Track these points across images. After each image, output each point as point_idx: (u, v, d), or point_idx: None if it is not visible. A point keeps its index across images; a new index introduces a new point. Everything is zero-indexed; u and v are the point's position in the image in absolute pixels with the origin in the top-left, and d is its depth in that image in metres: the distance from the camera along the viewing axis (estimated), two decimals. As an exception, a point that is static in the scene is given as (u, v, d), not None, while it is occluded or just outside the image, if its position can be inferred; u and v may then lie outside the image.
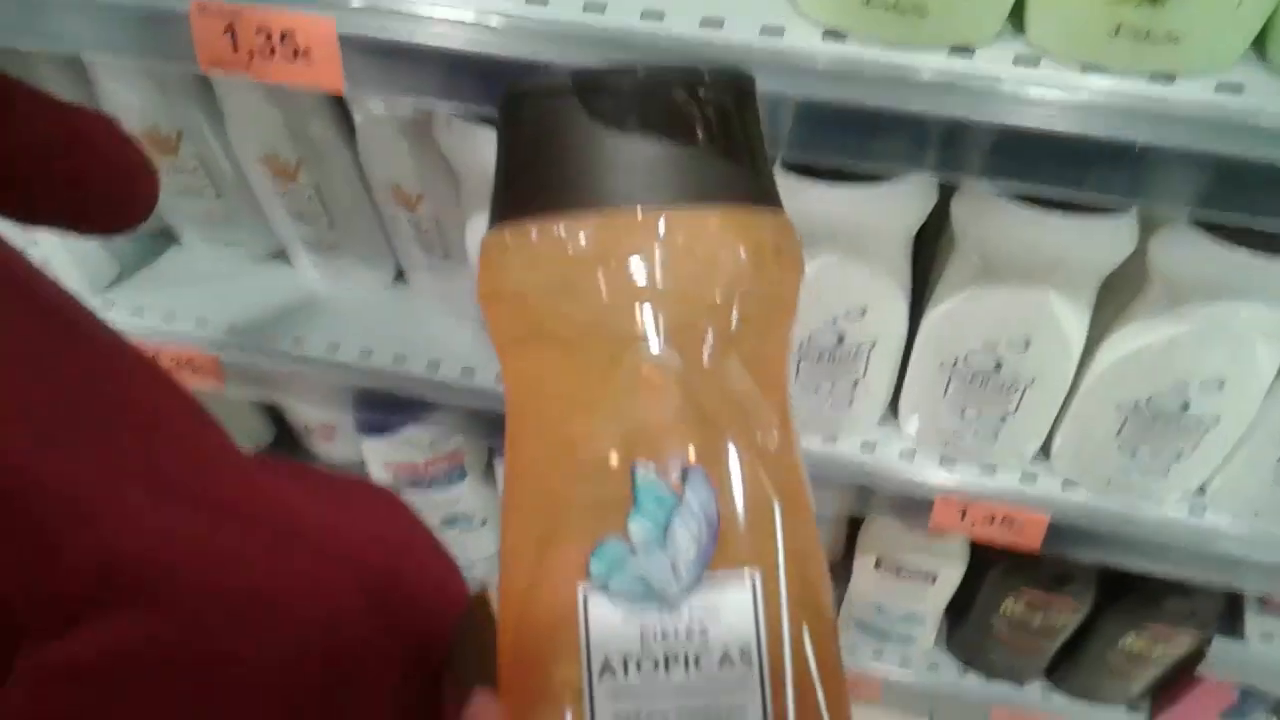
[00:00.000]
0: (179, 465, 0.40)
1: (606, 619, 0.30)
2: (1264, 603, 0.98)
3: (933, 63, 0.54)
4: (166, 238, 1.02)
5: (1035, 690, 1.20)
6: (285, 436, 1.42)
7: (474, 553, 1.25)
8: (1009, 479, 0.83)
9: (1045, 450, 0.84)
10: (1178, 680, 1.11)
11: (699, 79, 0.34)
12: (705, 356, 0.32)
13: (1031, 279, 0.66)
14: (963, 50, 0.54)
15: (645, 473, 0.31)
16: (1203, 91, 0.52)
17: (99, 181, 0.56)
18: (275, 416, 1.41)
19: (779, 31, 0.56)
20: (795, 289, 0.36)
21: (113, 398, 0.39)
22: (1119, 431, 0.74)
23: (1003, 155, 0.55)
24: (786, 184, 0.66)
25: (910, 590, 1.10)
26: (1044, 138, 0.53)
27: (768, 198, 0.36)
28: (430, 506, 1.20)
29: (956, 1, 0.52)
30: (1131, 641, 1.03)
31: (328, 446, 1.37)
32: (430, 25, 0.57)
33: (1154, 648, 1.02)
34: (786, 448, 0.34)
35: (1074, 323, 0.69)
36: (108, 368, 0.40)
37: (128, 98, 0.82)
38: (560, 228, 0.32)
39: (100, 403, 0.38)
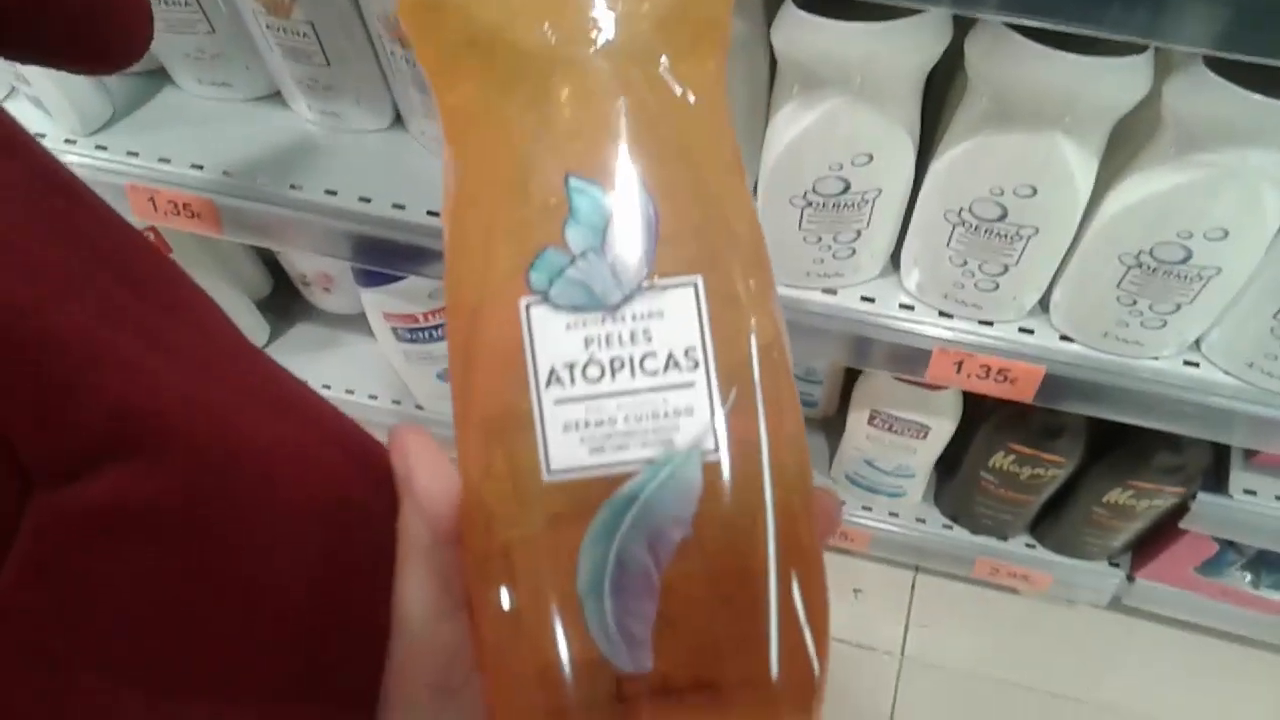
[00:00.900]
0: (180, 329, 0.40)
1: (550, 329, 0.30)
2: (1249, 457, 1.00)
3: (955, -114, 0.52)
4: (160, 79, 1.00)
5: (1019, 544, 1.23)
6: (284, 288, 1.42)
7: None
8: (1006, 331, 0.84)
9: (1044, 304, 0.84)
10: (1159, 535, 1.14)
11: None
12: (642, 65, 0.31)
13: (1042, 122, 0.65)
14: (986, -126, 0.52)
15: (580, 182, 0.30)
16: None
17: (94, 18, 0.55)
18: (274, 268, 1.41)
19: None
20: (728, 9, 0.35)
21: (116, 259, 0.39)
22: (1119, 283, 0.74)
23: (1021, -12, 0.54)
24: (797, 21, 0.64)
25: (902, 445, 1.12)
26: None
27: None
28: (428, 359, 1.20)
29: None
30: (1117, 496, 1.05)
31: (326, 298, 1.37)
32: None
33: (1139, 502, 1.05)
34: (731, 162, 0.33)
35: (1082, 170, 0.68)
36: (107, 231, 0.40)
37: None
38: None
39: (105, 263, 0.38)
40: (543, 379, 0.30)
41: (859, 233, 0.79)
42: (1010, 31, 0.62)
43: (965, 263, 0.78)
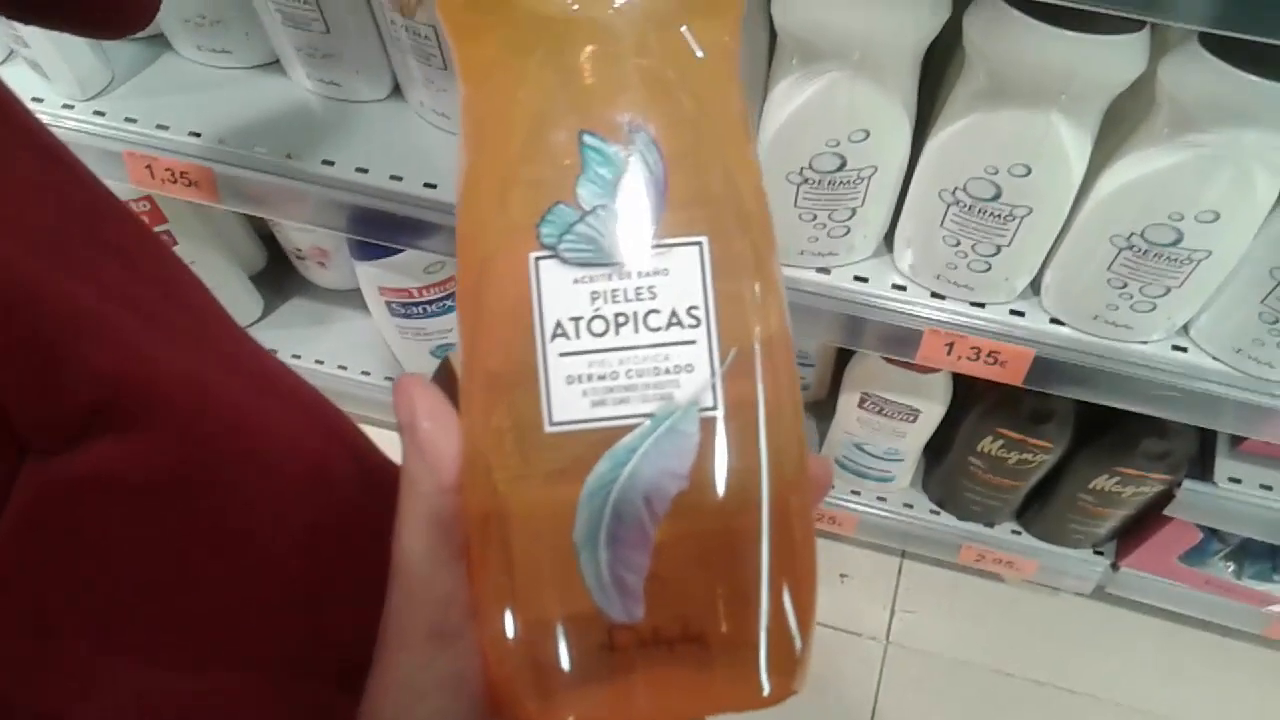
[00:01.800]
0: (170, 304, 0.40)
1: (557, 282, 0.30)
2: (1235, 445, 1.01)
3: None
4: (159, 45, 1.00)
5: (1005, 530, 1.24)
6: (278, 262, 1.42)
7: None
8: (998, 313, 0.85)
9: (1035, 287, 0.84)
10: (1144, 523, 1.15)
11: None
12: (658, 30, 0.32)
13: (1038, 101, 0.66)
14: None
15: (594, 139, 0.31)
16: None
17: None
18: (269, 242, 1.41)
19: None
20: None
21: (109, 234, 0.40)
22: (1110, 265, 0.75)
23: (1020, -38, 0.55)
24: (798, -6, 0.65)
25: (892, 428, 1.12)
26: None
27: None
28: (423, 335, 1.21)
29: None
30: (1104, 483, 1.06)
31: (321, 273, 1.37)
32: None
33: (1125, 489, 1.06)
34: (741, 129, 0.34)
35: (1077, 149, 0.69)
36: (101, 206, 0.41)
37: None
38: None
39: (99, 236, 0.38)
40: (549, 332, 0.30)
41: (854, 211, 0.80)
42: (1008, 7, 0.62)
43: (958, 243, 0.79)
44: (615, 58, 0.32)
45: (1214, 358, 0.82)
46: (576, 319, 0.31)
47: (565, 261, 0.31)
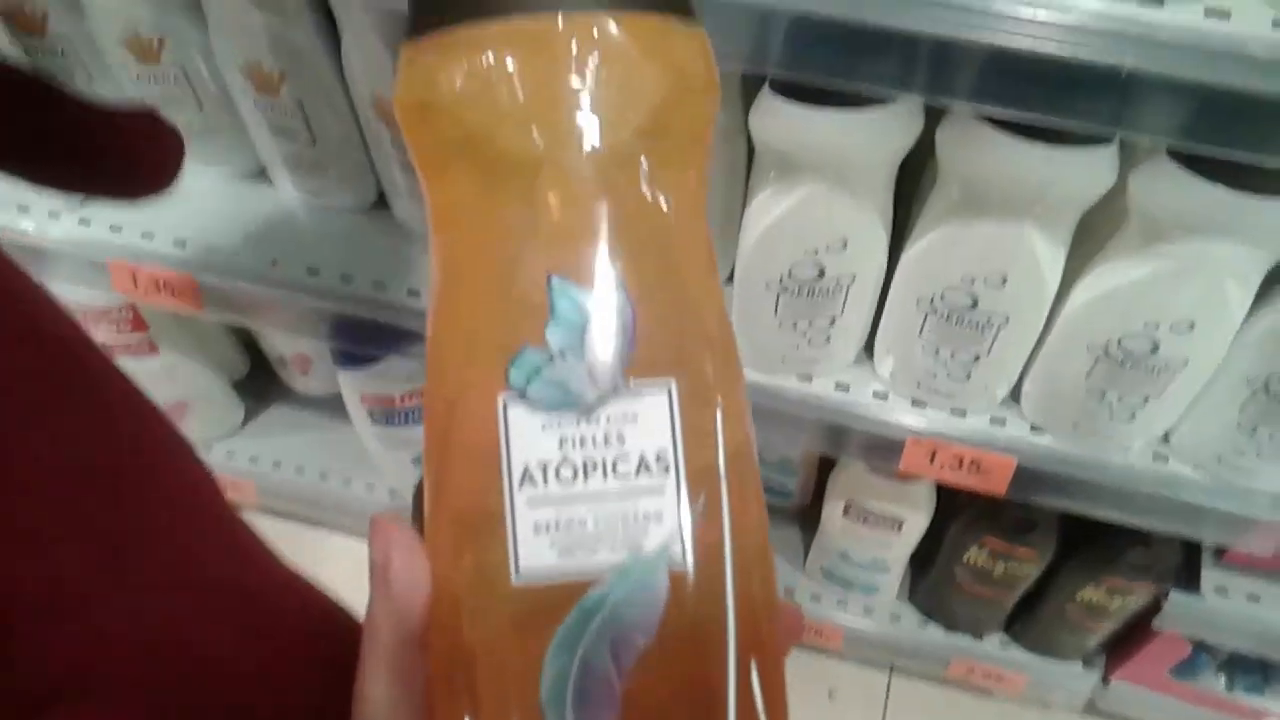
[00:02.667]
0: (149, 537, 0.40)
1: (526, 427, 0.30)
2: (1219, 556, 1.00)
3: (926, -21, 0.54)
4: (146, 155, 1.01)
5: (994, 643, 1.22)
6: (260, 369, 1.42)
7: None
8: (979, 422, 0.85)
9: (1015, 395, 0.85)
10: (1133, 635, 1.13)
11: None
12: (625, 171, 0.32)
13: (1011, 213, 0.67)
14: (955, -31, 0.55)
15: (562, 283, 0.31)
16: (1191, 17, 0.52)
17: (133, 161, 0.57)
18: (252, 349, 1.41)
19: (774, -56, 0.56)
20: (713, 110, 0.36)
21: (110, 465, 0.39)
22: (1088, 374, 0.75)
23: (990, 78, 0.56)
24: (774, 108, 0.66)
25: (877, 537, 1.11)
26: (1032, 60, 0.54)
27: (687, 11, 0.36)
28: (404, 444, 1.20)
29: (952, -83, 0.52)
30: (1090, 593, 1.05)
31: (303, 380, 1.37)
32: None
33: (1112, 600, 1.04)
34: (707, 270, 0.34)
35: (1051, 260, 0.70)
36: (112, 425, 0.40)
37: (111, 2, 0.81)
38: (477, 36, 0.32)
39: (93, 477, 0.38)
40: (516, 478, 0.30)
41: (833, 319, 0.80)
42: (980, 122, 0.64)
43: (938, 351, 0.79)
44: (582, 200, 0.32)
45: (1195, 467, 0.82)
46: (544, 465, 0.30)
47: (533, 405, 0.30)
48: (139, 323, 1.14)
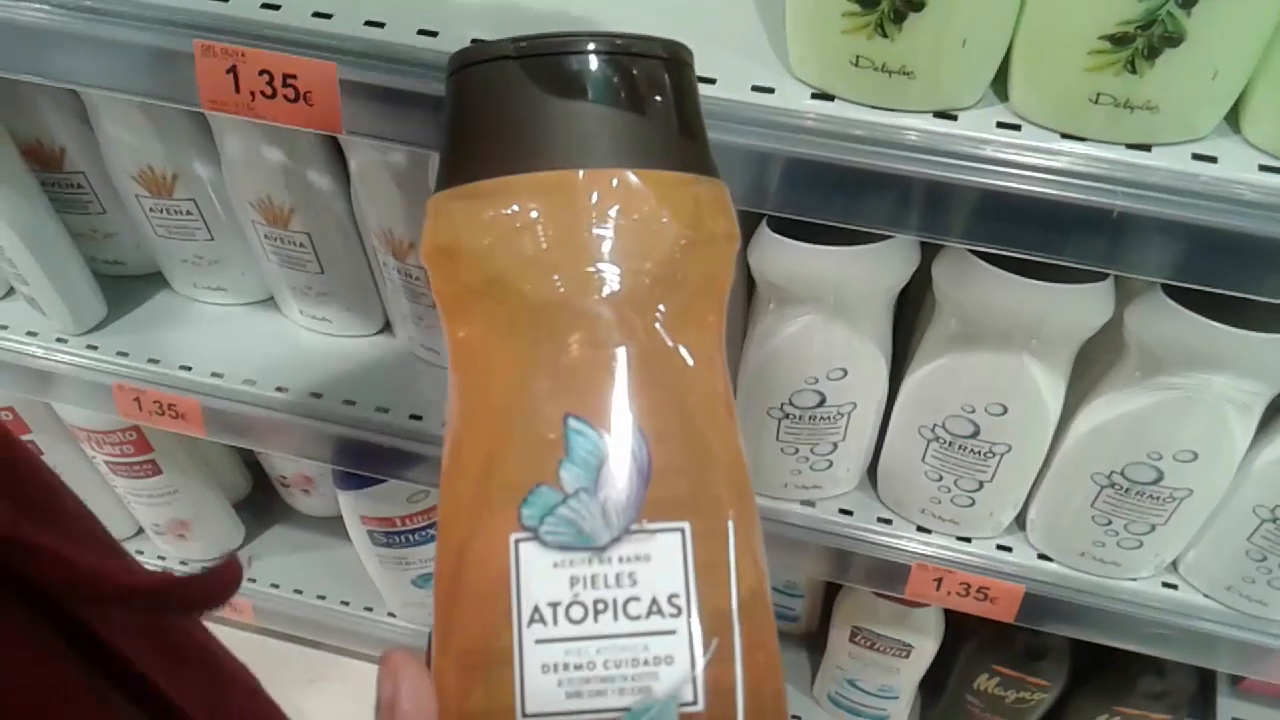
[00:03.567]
0: None
1: (537, 566, 0.30)
2: (1236, 684, 0.98)
3: (918, 125, 0.55)
4: (156, 281, 1.03)
5: (1008, 772, 1.19)
6: (262, 488, 1.41)
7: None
8: (985, 548, 0.84)
9: (1020, 521, 0.84)
10: (1151, 765, 1.10)
11: (639, 49, 0.35)
12: (643, 316, 0.33)
13: (1010, 344, 0.68)
14: (947, 115, 0.56)
15: (579, 423, 0.31)
16: (1178, 161, 0.53)
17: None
18: (254, 468, 1.41)
19: (769, 90, 0.58)
20: (732, 258, 0.37)
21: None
22: (1093, 502, 0.75)
23: (983, 219, 0.57)
24: (771, 243, 0.67)
25: (885, 664, 1.09)
26: (1024, 202, 0.55)
27: (707, 167, 0.37)
28: (403, 564, 1.19)
29: (942, 66, 0.53)
30: (1105, 723, 1.02)
31: (305, 500, 1.37)
32: (430, 73, 0.59)
33: (1127, 729, 1.02)
34: (723, 409, 0.34)
35: (1051, 389, 0.70)
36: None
37: (125, 137, 0.83)
38: (503, 188, 0.33)
39: None
40: (526, 616, 0.30)
41: (835, 445, 0.80)
42: (975, 258, 0.65)
43: (941, 478, 0.79)
44: (601, 344, 0.32)
45: (1205, 595, 0.80)
46: (555, 604, 0.30)
47: (545, 544, 0.30)
48: (143, 445, 1.15)
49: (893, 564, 0.85)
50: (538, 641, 0.30)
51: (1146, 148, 0.54)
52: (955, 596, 0.85)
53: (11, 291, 1.00)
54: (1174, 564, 0.82)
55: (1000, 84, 0.56)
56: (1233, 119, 0.55)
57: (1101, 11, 0.49)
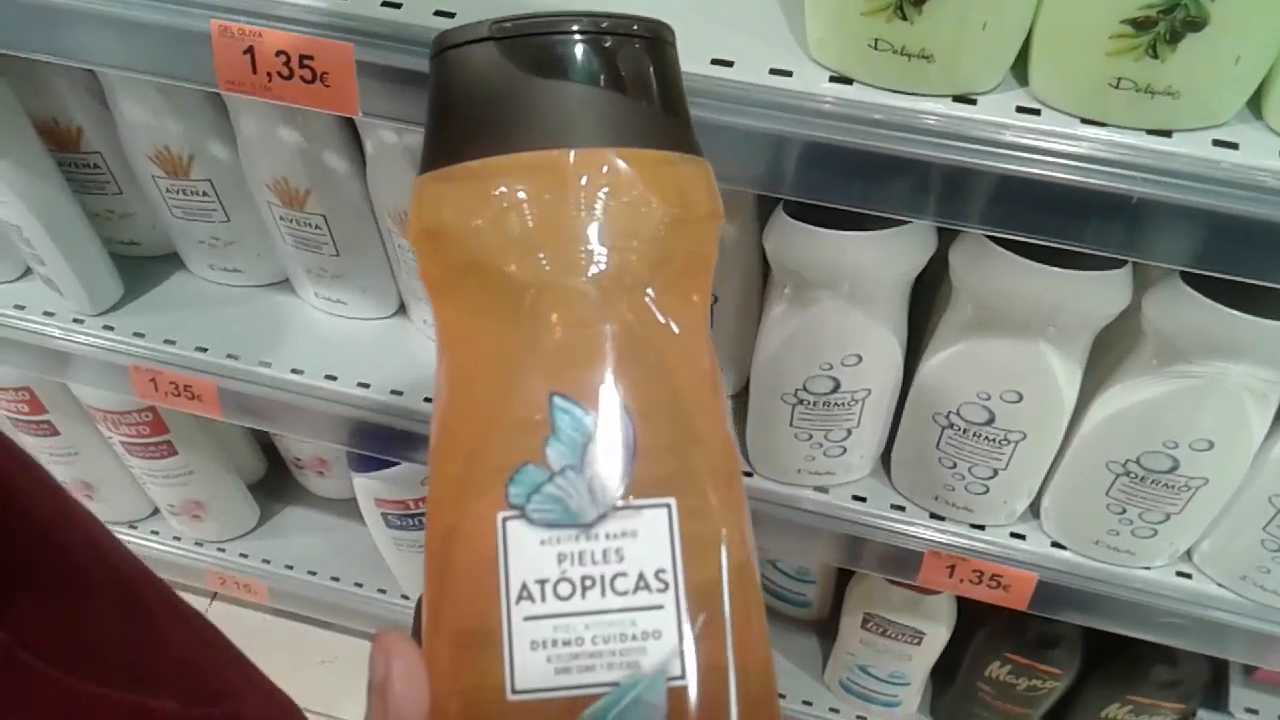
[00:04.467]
0: None
1: (524, 544, 0.30)
2: (1249, 673, 0.98)
3: (937, 109, 0.55)
4: (172, 262, 1.03)
5: (1019, 760, 1.19)
6: (277, 470, 1.42)
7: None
8: (998, 536, 0.84)
9: (1034, 509, 0.84)
10: (1163, 754, 1.10)
11: (621, 29, 0.35)
12: (629, 295, 0.33)
13: (1026, 331, 0.67)
14: (966, 99, 0.56)
15: (564, 401, 0.31)
16: (1199, 147, 0.53)
17: None
18: (268, 450, 1.41)
19: (787, 73, 0.57)
20: (716, 236, 0.37)
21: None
22: (1108, 490, 0.75)
23: (1002, 204, 0.57)
24: (788, 228, 0.67)
25: (897, 650, 1.09)
26: (1043, 188, 0.55)
27: (690, 145, 0.37)
28: (417, 547, 1.19)
29: (962, 50, 0.53)
30: (1116, 711, 1.02)
31: (319, 482, 1.37)
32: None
33: (1138, 718, 1.02)
34: (709, 387, 0.34)
35: (1067, 377, 0.70)
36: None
37: (142, 117, 0.84)
38: (487, 169, 0.33)
39: None
40: (514, 594, 0.30)
41: (849, 431, 0.80)
42: (992, 244, 0.64)
43: (955, 465, 0.79)
44: (586, 322, 0.32)
45: (1219, 584, 0.80)
46: (542, 581, 0.30)
47: (532, 522, 0.31)
48: (159, 426, 1.15)
49: (906, 551, 0.85)
50: (526, 619, 0.30)
51: (1167, 133, 0.53)
52: (968, 584, 0.85)
53: (29, 272, 1.01)
54: (1188, 553, 0.82)
55: (1020, 68, 0.56)
56: (1255, 105, 0.54)
57: (1123, -5, 0.48)
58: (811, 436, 0.81)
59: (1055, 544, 0.83)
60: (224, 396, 0.96)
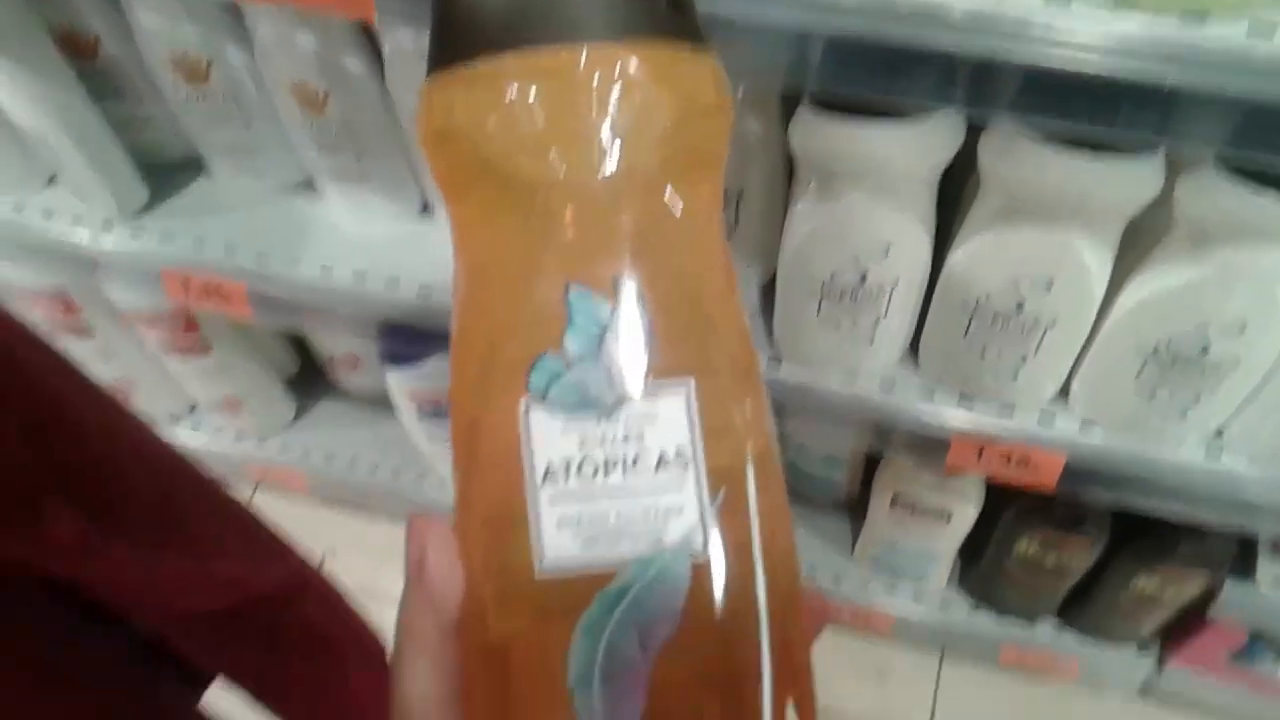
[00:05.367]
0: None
1: (547, 430, 0.31)
2: (1276, 547, 0.99)
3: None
4: (196, 167, 1.03)
5: (1046, 629, 1.22)
6: (311, 366, 1.44)
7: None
8: (1027, 419, 0.84)
9: (1064, 392, 0.84)
10: (1188, 622, 1.13)
11: None
12: (641, 188, 0.33)
13: (1057, 220, 0.66)
14: (995, -14, 0.54)
15: (579, 291, 0.32)
16: (1234, 34, 0.51)
17: None
18: (301, 348, 1.43)
19: (811, -35, 0.56)
20: (728, 129, 0.37)
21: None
22: (1138, 374, 0.75)
23: (1031, 93, 0.56)
24: (812, 122, 0.66)
25: (925, 529, 1.11)
26: (1073, 77, 0.53)
27: (699, 37, 0.36)
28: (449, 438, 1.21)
29: (990, -64, 0.51)
30: (1143, 583, 1.04)
31: (352, 377, 1.39)
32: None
33: (1165, 589, 1.04)
34: (723, 279, 0.35)
35: (1098, 264, 0.69)
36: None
37: (159, 23, 0.82)
38: (497, 67, 0.33)
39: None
40: (540, 476, 0.31)
41: (877, 321, 0.80)
42: (1021, 133, 0.63)
43: (984, 352, 0.79)
44: (599, 214, 0.33)
45: (1250, 462, 0.81)
46: (567, 462, 0.31)
47: (553, 409, 0.31)
48: (192, 325, 1.17)
49: (934, 437, 0.86)
50: (552, 499, 0.31)
51: (1201, 19, 0.52)
52: (996, 466, 0.86)
53: (55, 179, 1.01)
54: (1218, 432, 0.82)
55: (1051, -48, 0.54)
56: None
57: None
58: (839, 327, 0.81)
59: (1084, 425, 0.83)
60: (254, 298, 0.97)
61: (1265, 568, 0.99)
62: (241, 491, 1.45)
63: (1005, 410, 0.84)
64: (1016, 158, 0.64)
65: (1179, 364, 0.72)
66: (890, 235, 0.72)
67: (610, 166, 0.32)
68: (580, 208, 0.33)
